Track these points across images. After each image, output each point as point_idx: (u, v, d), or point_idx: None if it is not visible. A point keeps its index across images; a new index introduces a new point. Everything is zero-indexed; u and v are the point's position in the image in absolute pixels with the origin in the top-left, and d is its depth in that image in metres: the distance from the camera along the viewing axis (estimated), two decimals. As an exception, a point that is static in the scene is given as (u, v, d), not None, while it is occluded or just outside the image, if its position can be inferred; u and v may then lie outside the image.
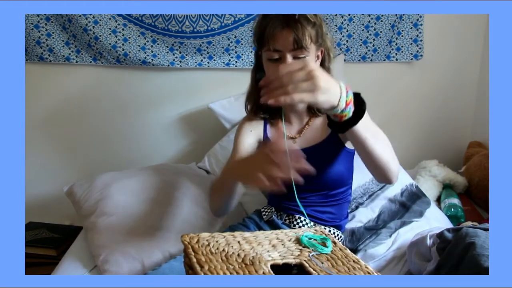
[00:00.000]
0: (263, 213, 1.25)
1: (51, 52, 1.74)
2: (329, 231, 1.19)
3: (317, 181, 1.16)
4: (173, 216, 1.30)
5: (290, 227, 1.19)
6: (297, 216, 1.20)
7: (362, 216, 1.32)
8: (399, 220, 1.29)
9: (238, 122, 1.71)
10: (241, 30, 1.74)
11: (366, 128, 0.86)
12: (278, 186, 0.77)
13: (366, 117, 0.84)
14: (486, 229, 0.96)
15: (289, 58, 1.07)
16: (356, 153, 1.23)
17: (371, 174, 0.99)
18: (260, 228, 1.23)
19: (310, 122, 1.20)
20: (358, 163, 1.27)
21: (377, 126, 0.93)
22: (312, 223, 1.19)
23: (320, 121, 1.20)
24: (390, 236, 1.22)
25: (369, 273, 0.78)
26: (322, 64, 1.16)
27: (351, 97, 0.80)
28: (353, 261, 0.82)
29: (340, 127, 0.83)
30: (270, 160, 0.77)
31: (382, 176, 0.96)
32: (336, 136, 1.17)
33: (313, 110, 1.18)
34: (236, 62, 1.79)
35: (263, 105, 1.21)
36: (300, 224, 1.19)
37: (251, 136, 1.21)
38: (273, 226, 1.22)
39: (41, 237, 1.64)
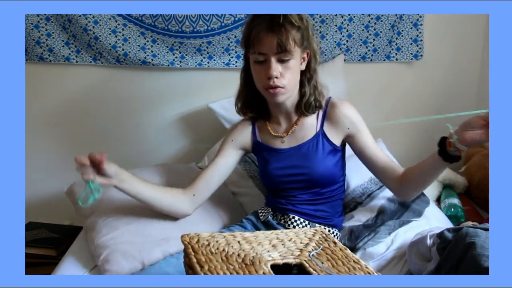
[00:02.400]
0: (260, 213, 1.26)
1: (51, 52, 1.74)
2: (327, 230, 1.19)
3: (306, 179, 1.18)
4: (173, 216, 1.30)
5: (285, 227, 1.20)
6: (291, 216, 1.20)
7: (361, 216, 1.32)
8: (398, 219, 1.29)
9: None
10: (241, 30, 1.74)
11: None
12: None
13: None
14: (486, 229, 0.96)
15: (273, 61, 1.09)
16: (346, 153, 1.26)
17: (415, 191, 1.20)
18: (257, 229, 1.24)
19: (298, 121, 1.22)
20: (357, 163, 1.28)
21: None
22: (306, 222, 1.20)
23: (309, 120, 1.22)
24: (389, 234, 1.22)
25: (369, 273, 0.78)
26: (308, 66, 1.18)
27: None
28: (354, 261, 0.82)
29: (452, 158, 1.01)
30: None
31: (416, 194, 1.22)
32: (324, 135, 1.18)
33: (301, 110, 1.20)
34: (236, 62, 1.79)
35: (251, 104, 1.23)
36: (295, 224, 1.20)
37: (232, 145, 1.27)
38: (269, 226, 1.22)
39: (41, 237, 1.64)
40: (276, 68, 1.09)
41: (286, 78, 1.11)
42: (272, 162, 1.22)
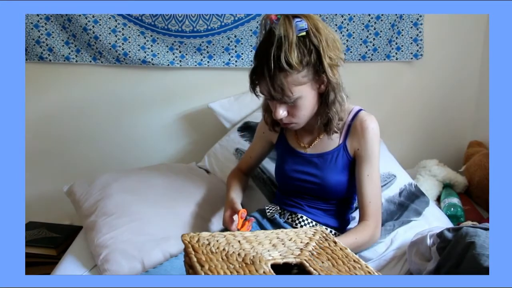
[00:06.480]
0: (267, 210, 1.25)
1: (51, 51, 1.74)
2: (330, 231, 1.19)
3: (317, 188, 1.18)
4: (173, 215, 1.30)
5: (292, 226, 1.20)
6: (299, 215, 1.20)
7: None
8: (398, 219, 1.29)
9: (238, 121, 1.72)
10: (241, 29, 1.74)
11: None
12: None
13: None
14: (486, 229, 0.96)
15: (277, 104, 1.06)
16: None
17: None
18: (261, 227, 1.23)
19: (320, 136, 1.19)
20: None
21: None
22: (314, 223, 1.20)
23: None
24: (389, 234, 1.22)
25: (369, 273, 0.78)
26: (327, 92, 1.09)
27: None
28: (354, 260, 0.82)
29: None
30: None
31: None
32: (345, 150, 1.17)
33: (325, 128, 1.15)
34: (236, 61, 1.79)
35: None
36: (302, 224, 1.19)
37: (263, 137, 1.32)
38: (275, 224, 1.22)
39: (41, 237, 1.64)
40: (281, 110, 1.06)
41: (295, 116, 1.08)
42: (289, 162, 1.21)
